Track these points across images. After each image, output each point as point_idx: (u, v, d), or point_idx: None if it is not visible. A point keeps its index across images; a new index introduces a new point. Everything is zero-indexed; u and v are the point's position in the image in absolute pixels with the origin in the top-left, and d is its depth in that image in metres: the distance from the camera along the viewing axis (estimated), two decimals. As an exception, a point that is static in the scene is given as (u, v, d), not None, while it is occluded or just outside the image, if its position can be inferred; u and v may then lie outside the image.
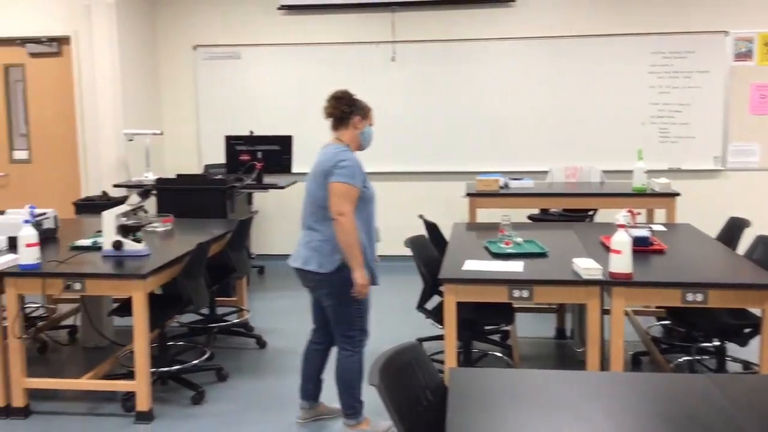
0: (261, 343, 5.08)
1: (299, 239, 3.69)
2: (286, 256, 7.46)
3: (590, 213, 6.53)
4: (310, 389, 3.86)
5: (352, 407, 3.66)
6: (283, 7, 7.38)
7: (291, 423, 3.89)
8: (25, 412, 3.94)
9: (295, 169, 6.66)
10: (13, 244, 4.18)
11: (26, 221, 3.90)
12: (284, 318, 5.75)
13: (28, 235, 3.82)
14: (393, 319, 5.69)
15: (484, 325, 4.30)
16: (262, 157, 6.53)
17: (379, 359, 2.15)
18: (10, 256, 3.94)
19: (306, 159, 7.25)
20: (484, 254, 3.98)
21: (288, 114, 7.46)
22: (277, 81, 7.49)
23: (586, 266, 3.45)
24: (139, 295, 3.78)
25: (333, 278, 3.50)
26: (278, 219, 7.67)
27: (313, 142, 7.38)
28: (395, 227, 7.35)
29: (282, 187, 6.49)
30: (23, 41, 6.90)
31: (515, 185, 6.03)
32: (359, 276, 3.45)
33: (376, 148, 7.39)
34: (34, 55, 6.95)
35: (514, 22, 7.25)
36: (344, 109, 3.64)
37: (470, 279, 3.49)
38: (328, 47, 7.40)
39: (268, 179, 6.54)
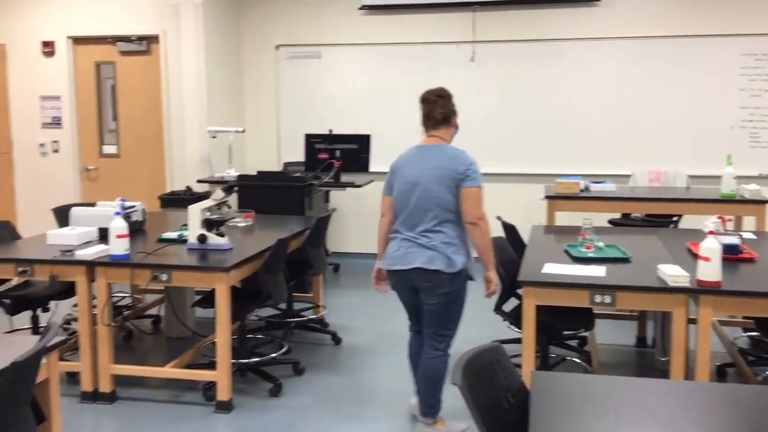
0: (336, 340, 5.13)
1: (401, 240, 3.60)
2: (361, 255, 7.67)
3: (674, 219, 6.33)
4: None
5: (432, 406, 3.66)
6: (364, 7, 7.44)
7: (367, 418, 3.92)
8: (111, 398, 4.10)
9: (372, 168, 6.70)
10: (103, 235, 4.35)
11: (117, 213, 4.05)
12: (359, 316, 5.79)
13: (119, 226, 3.97)
14: (468, 321, 5.65)
15: (562, 329, 4.22)
16: (340, 155, 6.60)
17: (461, 359, 2.14)
18: (101, 247, 4.10)
19: (383, 158, 7.32)
20: (565, 258, 3.91)
21: (366, 113, 7.52)
22: (357, 80, 7.55)
23: (673, 273, 3.35)
24: (222, 288, 3.88)
25: (455, 278, 3.51)
26: (354, 217, 7.74)
27: (390, 142, 7.45)
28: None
29: (359, 186, 6.54)
30: (114, 39, 7.18)
31: (596, 188, 5.90)
32: (494, 276, 3.64)
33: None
34: (124, 53, 7.22)
35: (598, 22, 7.10)
36: (452, 108, 3.70)
37: (550, 282, 3.44)
38: (408, 47, 7.41)
39: (345, 178, 6.60)
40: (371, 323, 5.60)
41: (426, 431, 3.67)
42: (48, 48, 7.21)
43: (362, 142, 6.67)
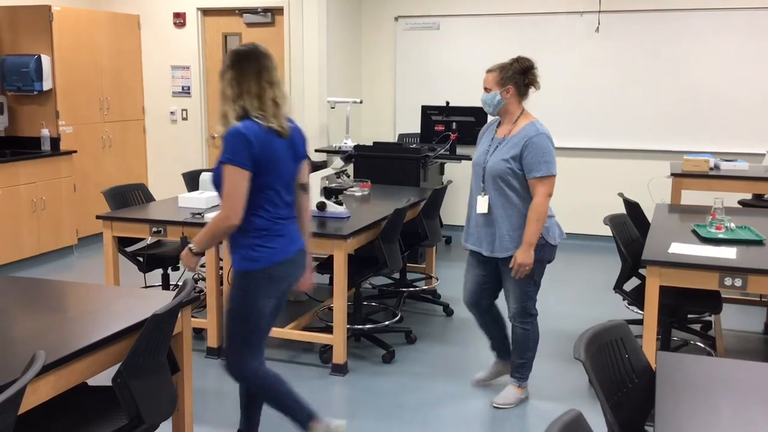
0: (448, 311, 5.16)
1: None
2: (473, 228, 7.61)
3: (812, 201, 5.92)
4: (496, 345, 3.99)
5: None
6: (485, -23, 7.32)
7: (477, 390, 3.93)
8: (234, 354, 4.30)
9: (488, 141, 6.63)
10: (229, 200, 4.53)
11: (243, 179, 4.21)
12: (471, 288, 5.78)
13: (245, 191, 4.12)
14: (584, 299, 5.55)
15: (687, 312, 4.06)
16: (456, 127, 6.57)
17: (584, 335, 2.11)
18: (228, 210, 4.27)
19: (500, 131, 7.24)
20: (692, 238, 3.75)
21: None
22: (475, 52, 7.46)
23: (813, 258, 3.15)
24: (339, 254, 3.98)
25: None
26: (468, 190, 7.68)
27: (507, 115, 7.34)
28: (591, 205, 7.14)
29: (475, 159, 6.50)
30: (241, 11, 7.40)
31: (727, 167, 5.60)
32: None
33: (576, 124, 7.23)
34: (249, 24, 7.43)
35: (735, -9, 6.67)
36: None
37: (677, 263, 3.31)
38: (529, 18, 7.24)
39: (461, 150, 6.57)
40: (483, 297, 5.58)
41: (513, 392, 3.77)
42: (179, 19, 7.53)
43: (479, 114, 6.60)
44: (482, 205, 3.65)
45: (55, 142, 6.61)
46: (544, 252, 3.59)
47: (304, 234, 3.05)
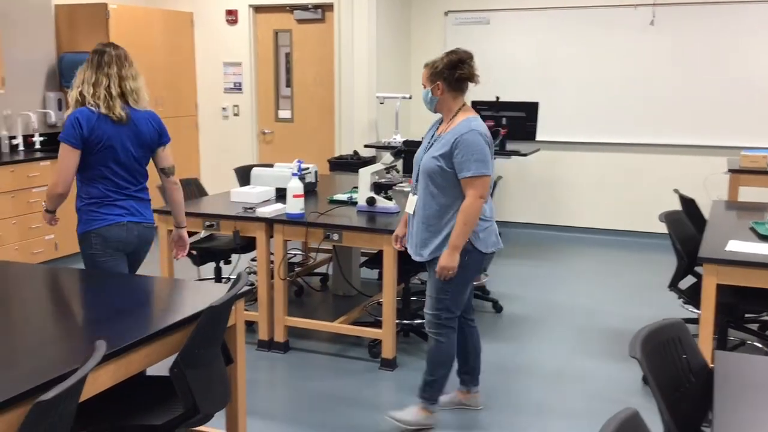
0: (497, 308, 5.12)
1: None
2: (523, 224, 7.58)
3: None
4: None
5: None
6: (536, -29, 7.23)
7: (527, 387, 3.90)
8: (284, 347, 4.35)
9: (539, 136, 6.56)
10: (280, 194, 4.59)
11: (294, 174, 4.26)
12: (520, 285, 5.74)
13: (296, 186, 4.18)
14: (638, 297, 5.46)
15: (744, 311, 3.96)
16: (506, 123, 6.51)
17: (640, 333, 2.08)
18: (279, 206, 4.33)
19: (551, 127, 7.17)
20: (750, 235, 3.66)
21: (534, 80, 7.35)
22: (526, 46, 7.39)
23: None
24: (389, 250, 3.98)
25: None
26: (518, 186, 7.63)
27: (558, 110, 7.26)
28: (646, 202, 7.02)
29: (524, 155, 6.44)
30: (292, 8, 7.47)
31: (787, 163, 5.44)
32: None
33: (631, 119, 7.10)
34: (300, 21, 7.49)
35: (798, -19, 6.46)
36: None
37: (735, 261, 3.23)
38: (581, 11, 7.13)
39: (510, 146, 6.51)
40: (533, 293, 5.54)
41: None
42: (231, 16, 7.63)
43: (530, 109, 6.53)
44: (411, 204, 3.42)
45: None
46: (471, 259, 3.25)
47: (174, 212, 3.60)
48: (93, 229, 3.30)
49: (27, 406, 1.76)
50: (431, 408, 3.44)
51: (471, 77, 3.36)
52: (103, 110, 3.23)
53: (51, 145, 6.36)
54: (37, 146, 6.32)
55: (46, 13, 6.62)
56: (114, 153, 3.27)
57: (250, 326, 4.51)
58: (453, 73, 3.33)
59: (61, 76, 6.70)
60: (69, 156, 3.20)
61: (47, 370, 1.99)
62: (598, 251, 6.86)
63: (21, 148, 6.26)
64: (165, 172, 3.48)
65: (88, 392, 2.06)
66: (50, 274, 3.13)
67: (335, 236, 4.09)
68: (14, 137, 6.25)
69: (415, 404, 3.47)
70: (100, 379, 2.15)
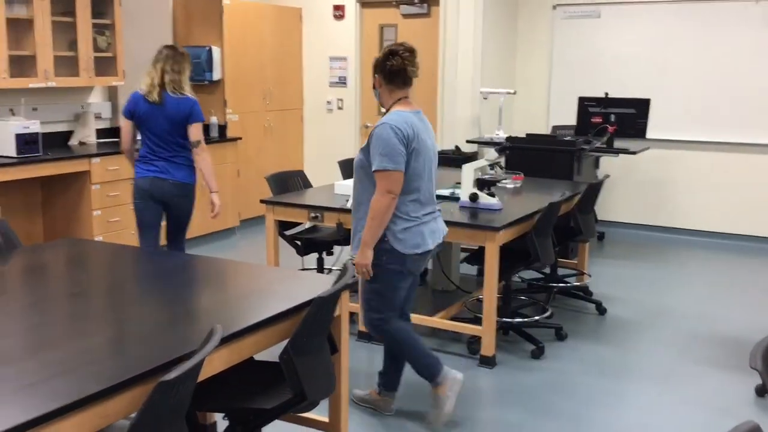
0: (600, 309, 5.00)
1: (437, 217, 3.43)
2: (629, 224, 7.36)
3: None
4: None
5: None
6: (651, -38, 6.98)
7: (630, 393, 3.80)
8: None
9: (649, 134, 6.35)
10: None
11: (398, 168, 4.29)
12: (624, 287, 5.58)
13: (399, 181, 4.20)
14: (756, 304, 5.20)
15: None
16: (615, 120, 6.34)
17: (762, 343, 1.98)
18: (382, 199, 4.37)
19: (662, 124, 6.91)
20: None
21: (646, 76, 7.10)
22: (638, 41, 7.15)
23: None
24: (491, 246, 3.96)
25: None
26: (625, 185, 7.41)
27: (669, 107, 6.99)
28: (764, 205, 6.68)
29: (633, 153, 6.25)
30: (398, 3, 7.51)
31: None
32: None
33: (745, 116, 6.76)
34: (406, 15, 7.52)
35: None
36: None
37: None
38: (697, 4, 6.83)
39: (619, 143, 6.34)
40: (638, 296, 5.37)
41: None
42: (338, 11, 7.75)
43: (640, 106, 6.34)
44: (351, 200, 3.41)
45: (222, 129, 7.02)
46: (389, 259, 3.18)
47: (204, 178, 4.50)
48: (134, 179, 4.48)
49: (150, 385, 1.86)
50: (441, 382, 3.34)
51: (403, 69, 3.24)
52: (145, 94, 4.37)
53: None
54: (154, 136, 6.62)
55: (164, 8, 6.93)
56: (148, 125, 4.38)
57: (352, 317, 4.57)
58: (385, 65, 3.26)
59: (177, 70, 6.99)
60: (123, 123, 4.50)
61: (168, 352, 2.09)
62: (710, 255, 6.57)
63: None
64: (192, 145, 4.41)
65: (203, 374, 2.15)
66: (163, 259, 3.29)
67: (438, 231, 4.08)
68: (133, 127, 6.58)
69: (433, 390, 3.36)
70: (214, 362, 2.25)
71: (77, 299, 2.66)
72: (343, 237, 4.46)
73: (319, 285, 2.71)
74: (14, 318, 2.41)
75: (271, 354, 2.49)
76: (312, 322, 2.39)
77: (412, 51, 3.28)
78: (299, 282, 2.93)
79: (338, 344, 2.78)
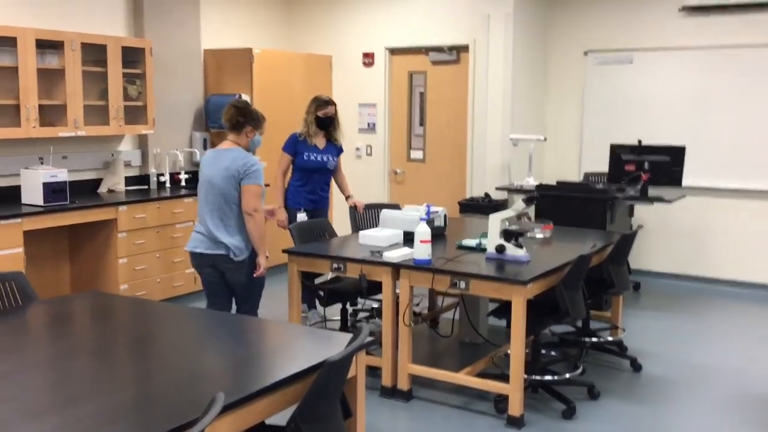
0: (635, 366, 4.78)
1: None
2: (666, 275, 7.12)
3: None
4: None
5: None
6: (686, 8, 6.86)
7: (667, 460, 3.58)
8: (407, 396, 4.26)
9: (685, 182, 6.17)
10: (408, 238, 4.53)
11: (422, 219, 4.20)
12: (661, 341, 5.36)
13: (423, 232, 4.10)
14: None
15: None
16: (648, 167, 6.17)
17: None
18: (406, 250, 4.27)
19: (698, 172, 6.71)
20: None
21: (681, 123, 6.94)
22: (672, 87, 7.01)
23: None
24: (518, 300, 3.82)
25: (245, 263, 4.17)
26: (660, 234, 7.19)
27: (706, 155, 6.80)
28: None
29: (669, 201, 6.07)
30: (427, 50, 7.50)
31: None
32: (264, 261, 4.22)
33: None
34: (435, 62, 7.50)
35: None
36: (239, 119, 4.21)
37: None
38: (732, 51, 6.67)
39: (653, 191, 6.16)
40: (675, 351, 5.14)
41: None
42: (368, 59, 7.77)
43: (675, 154, 6.16)
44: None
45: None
46: None
47: None
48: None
49: (144, 458, 1.76)
50: None
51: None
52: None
53: (196, 183, 6.67)
54: (183, 183, 6.64)
55: (195, 58, 7.00)
56: None
57: (374, 371, 4.44)
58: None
59: (207, 117, 7.04)
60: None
61: (170, 419, 2.00)
62: (748, 307, 6.30)
63: (168, 185, 6.60)
64: None
65: (206, 442, 2.05)
66: (179, 315, 3.21)
67: (462, 284, 3.97)
68: (162, 174, 6.61)
69: None
70: (217, 430, 2.14)
71: (83, 357, 2.59)
72: (367, 288, 4.35)
73: (337, 344, 2.61)
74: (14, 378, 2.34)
75: (285, 417, 2.37)
76: (322, 388, 2.28)
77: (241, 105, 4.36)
78: (316, 341, 2.84)
79: (353, 407, 2.65)
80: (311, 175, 5.49)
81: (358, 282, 4.33)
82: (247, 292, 4.30)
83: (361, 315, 5.55)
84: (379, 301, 4.42)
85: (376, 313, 5.32)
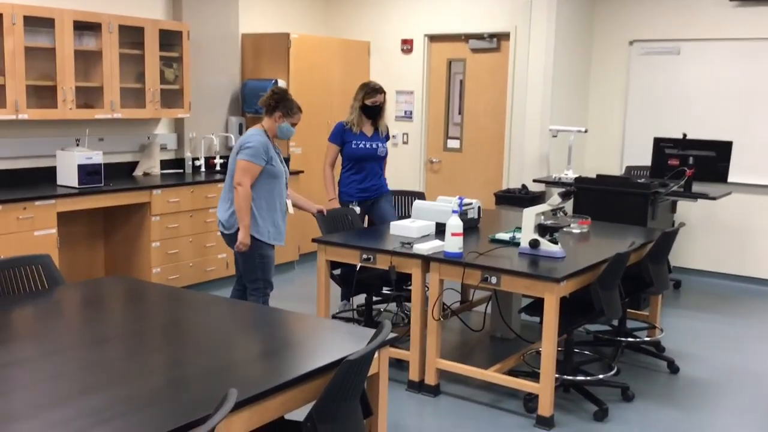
0: (673, 368, 4.63)
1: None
2: (708, 273, 6.90)
3: None
4: None
5: None
6: (737, -3, 6.60)
7: (702, 469, 3.45)
8: (435, 390, 4.18)
9: (731, 178, 5.94)
10: (440, 230, 4.44)
11: (455, 211, 4.09)
12: (701, 343, 5.18)
13: (455, 225, 4.00)
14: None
15: None
16: (693, 162, 5.96)
17: None
18: (437, 242, 4.17)
19: (745, 168, 6.47)
20: None
21: (728, 117, 6.70)
22: (720, 79, 6.76)
23: None
24: (551, 298, 3.70)
25: (235, 237, 4.28)
26: (704, 231, 6.97)
27: (755, 149, 6.54)
28: None
29: (713, 198, 5.85)
30: (467, 37, 7.35)
31: None
32: (243, 235, 4.23)
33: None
34: (474, 50, 7.35)
35: None
36: (272, 103, 4.34)
37: None
38: (788, 41, 6.41)
39: (697, 187, 5.95)
40: (715, 353, 4.97)
41: None
42: (406, 45, 7.65)
43: (721, 149, 5.94)
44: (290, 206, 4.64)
45: (285, 161, 6.95)
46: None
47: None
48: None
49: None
50: None
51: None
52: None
53: (229, 168, 6.66)
54: (218, 168, 6.62)
55: (233, 42, 6.97)
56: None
57: (401, 364, 4.37)
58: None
59: (243, 102, 7.01)
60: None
61: (180, 416, 1.95)
62: (795, 310, 6.07)
63: (202, 169, 6.59)
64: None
65: (221, 439, 2.00)
66: (204, 304, 3.18)
67: (493, 279, 3.86)
68: (197, 159, 6.60)
69: None
70: (233, 426, 2.09)
71: (103, 345, 2.56)
72: (396, 279, 4.27)
73: (360, 339, 2.54)
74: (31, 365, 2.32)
75: (305, 412, 2.31)
76: (339, 387, 2.20)
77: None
78: (339, 335, 2.78)
79: (374, 406, 2.58)
80: (362, 164, 5.35)
81: (384, 273, 4.25)
82: (245, 269, 4.43)
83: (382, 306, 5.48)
84: (408, 291, 4.34)
85: (399, 301, 5.26)
